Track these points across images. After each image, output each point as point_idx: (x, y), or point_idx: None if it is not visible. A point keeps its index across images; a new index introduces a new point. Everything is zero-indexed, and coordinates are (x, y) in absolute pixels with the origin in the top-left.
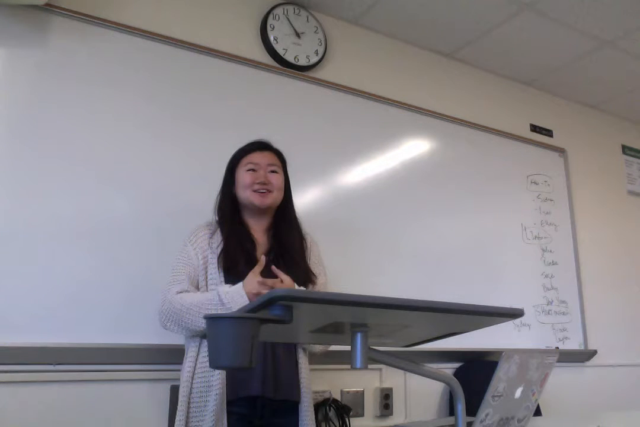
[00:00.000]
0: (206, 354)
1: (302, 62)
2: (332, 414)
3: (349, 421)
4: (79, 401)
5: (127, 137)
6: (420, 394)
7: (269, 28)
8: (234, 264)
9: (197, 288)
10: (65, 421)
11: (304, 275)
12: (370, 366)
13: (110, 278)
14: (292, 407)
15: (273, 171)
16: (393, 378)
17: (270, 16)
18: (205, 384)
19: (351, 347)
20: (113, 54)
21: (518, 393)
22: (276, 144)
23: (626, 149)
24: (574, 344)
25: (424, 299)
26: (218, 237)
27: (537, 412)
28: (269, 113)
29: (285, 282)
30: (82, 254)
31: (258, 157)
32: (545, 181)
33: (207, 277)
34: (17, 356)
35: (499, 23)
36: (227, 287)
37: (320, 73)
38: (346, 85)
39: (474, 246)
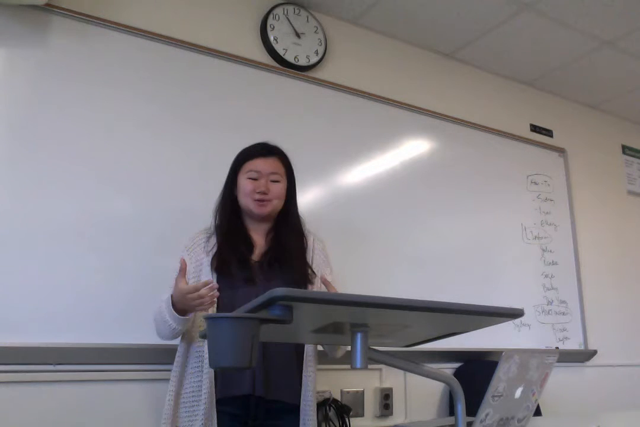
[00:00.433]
0: (197, 354)
1: (302, 62)
2: (332, 414)
3: (349, 421)
4: (79, 401)
5: (127, 137)
6: (420, 394)
7: (269, 28)
8: (225, 265)
9: None
10: (65, 421)
11: (300, 276)
12: (370, 366)
13: (111, 278)
14: (290, 409)
15: (274, 181)
16: (393, 378)
17: (270, 16)
18: (195, 384)
19: (351, 347)
20: (113, 54)
21: (518, 393)
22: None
23: (626, 149)
24: (574, 344)
25: (424, 299)
26: (214, 240)
27: (537, 412)
28: (269, 113)
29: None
30: (82, 254)
31: (260, 165)
32: (545, 181)
33: (200, 280)
34: (17, 356)
35: (499, 23)
36: (165, 294)
37: (320, 73)
38: (346, 85)
39: (473, 245)
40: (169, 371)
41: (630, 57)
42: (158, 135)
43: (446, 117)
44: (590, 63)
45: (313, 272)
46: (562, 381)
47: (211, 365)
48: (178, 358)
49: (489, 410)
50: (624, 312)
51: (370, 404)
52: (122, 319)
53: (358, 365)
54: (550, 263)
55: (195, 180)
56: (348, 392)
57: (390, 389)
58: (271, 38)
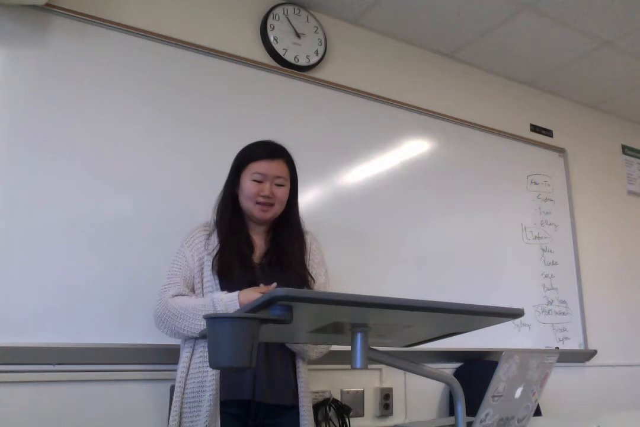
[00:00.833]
0: (201, 354)
1: (302, 62)
2: (332, 414)
3: (349, 421)
4: (79, 401)
5: (126, 137)
6: (420, 394)
7: (269, 28)
8: (228, 268)
9: (193, 290)
10: (65, 421)
11: (300, 279)
12: (370, 366)
13: (111, 278)
14: (288, 408)
15: (279, 184)
16: (393, 378)
17: (270, 16)
18: (199, 384)
19: (351, 347)
20: (113, 54)
21: (518, 393)
22: None
23: (626, 149)
24: (574, 344)
25: (424, 299)
26: (215, 239)
27: (537, 412)
28: (269, 113)
29: None
30: (82, 254)
31: (266, 167)
32: (545, 181)
33: (202, 280)
34: (17, 356)
35: (499, 23)
36: (223, 295)
37: (320, 73)
38: (346, 85)
39: (474, 245)
40: (169, 371)
41: (630, 57)
42: (158, 135)
43: (446, 117)
44: (590, 63)
45: (312, 278)
46: (562, 381)
47: (211, 365)
48: (184, 357)
49: (489, 410)
50: (624, 312)
51: (370, 404)
52: (122, 319)
53: (358, 365)
54: (550, 263)
55: (195, 181)
56: (348, 392)
57: (390, 389)
58: (271, 38)
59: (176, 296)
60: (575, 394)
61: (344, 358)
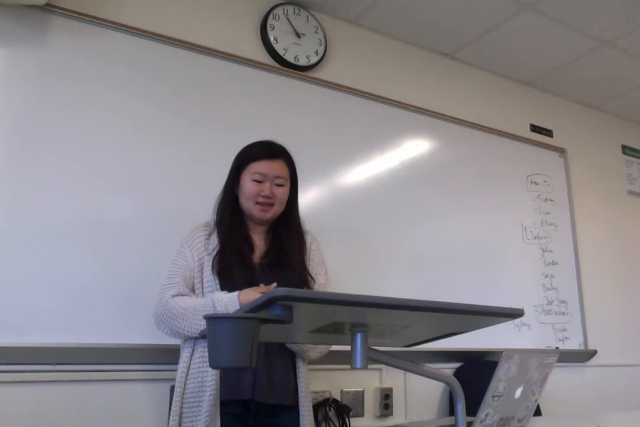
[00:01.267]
0: (201, 354)
1: (302, 62)
2: (332, 414)
3: (349, 421)
4: (79, 401)
5: (126, 137)
6: (420, 394)
7: (269, 28)
8: (228, 269)
9: (193, 290)
10: (65, 421)
11: (300, 279)
12: (370, 366)
13: (111, 278)
14: (288, 408)
15: (279, 184)
16: (393, 378)
17: (270, 16)
18: (199, 384)
19: (351, 347)
20: (113, 54)
21: (518, 393)
22: None
23: (626, 149)
24: (574, 344)
25: (424, 299)
26: (215, 239)
27: (537, 412)
28: (269, 113)
29: None
30: (82, 254)
31: (266, 167)
32: (545, 181)
33: (202, 280)
34: (17, 356)
35: (499, 23)
36: (223, 295)
37: (320, 73)
38: (346, 85)
39: (473, 245)
40: (169, 371)
41: (630, 57)
42: (157, 135)
43: (446, 117)
44: (590, 63)
45: (312, 278)
46: (562, 381)
47: (211, 365)
48: (184, 357)
49: (489, 410)
50: (624, 312)
51: (370, 404)
52: (122, 319)
53: (358, 365)
54: (550, 263)
55: (195, 180)
56: (348, 392)
57: (390, 389)
58: (271, 38)
59: (176, 296)
60: (575, 394)
61: (344, 358)
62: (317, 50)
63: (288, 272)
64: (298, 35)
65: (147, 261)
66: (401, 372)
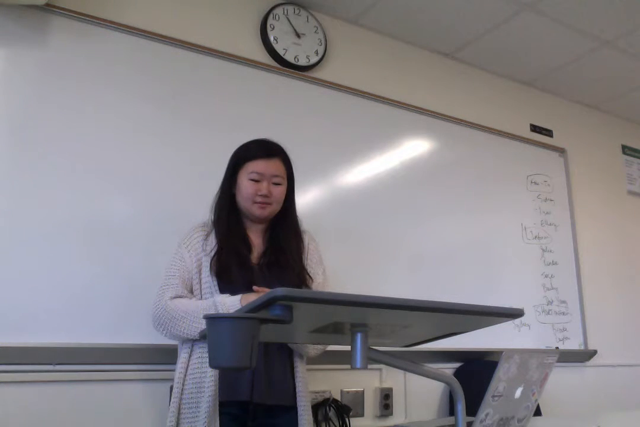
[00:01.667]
0: (199, 355)
1: (302, 62)
2: (332, 414)
3: (349, 421)
4: (79, 401)
5: (126, 137)
6: (420, 394)
7: (269, 28)
8: (226, 269)
9: (191, 291)
10: (65, 421)
11: (298, 279)
12: (370, 366)
13: (111, 278)
14: (287, 409)
15: (276, 183)
16: (393, 378)
17: (270, 16)
18: (198, 385)
19: (351, 347)
20: (113, 54)
21: (518, 393)
22: None
23: (626, 149)
24: (574, 344)
25: (424, 299)
26: (212, 240)
27: (537, 412)
28: (269, 113)
29: None
30: (82, 254)
31: (263, 167)
32: (545, 181)
33: (201, 281)
34: (17, 356)
35: (499, 23)
36: (225, 298)
37: (320, 73)
38: (346, 85)
39: (473, 246)
40: (169, 371)
41: (630, 57)
42: (157, 135)
43: (446, 117)
44: (590, 63)
45: (310, 277)
46: (562, 381)
47: (211, 365)
48: (182, 358)
49: (489, 410)
50: (624, 312)
51: (370, 404)
52: (122, 319)
53: (358, 365)
54: (550, 263)
55: (195, 180)
56: (348, 392)
57: (390, 389)
58: (271, 38)
59: (175, 298)
60: (575, 394)
61: (344, 358)
62: (317, 50)
63: (286, 272)
64: (298, 35)
65: (147, 261)
66: (401, 372)
